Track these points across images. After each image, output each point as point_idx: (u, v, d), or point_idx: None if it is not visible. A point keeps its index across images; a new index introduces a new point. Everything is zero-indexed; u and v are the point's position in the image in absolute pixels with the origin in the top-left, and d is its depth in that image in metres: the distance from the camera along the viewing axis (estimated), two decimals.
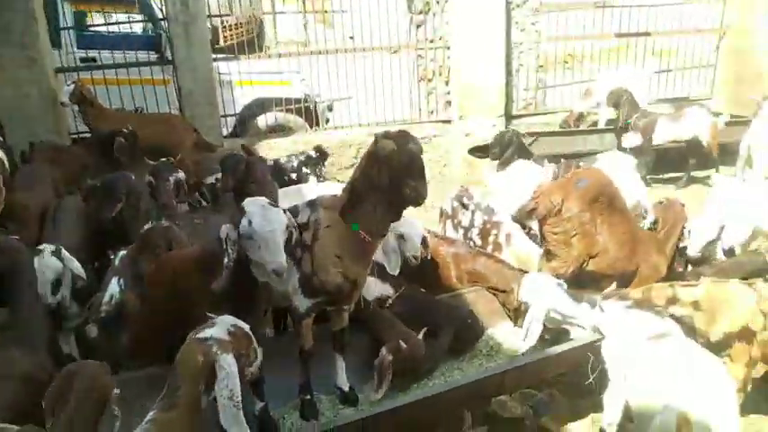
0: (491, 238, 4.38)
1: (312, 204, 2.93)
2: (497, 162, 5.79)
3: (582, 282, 3.69)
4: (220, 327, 2.17)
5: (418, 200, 2.73)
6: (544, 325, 3.50)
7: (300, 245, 2.78)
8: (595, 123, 8.10)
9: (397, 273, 3.83)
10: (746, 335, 2.94)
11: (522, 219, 3.81)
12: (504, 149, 5.70)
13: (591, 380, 3.01)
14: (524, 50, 8.36)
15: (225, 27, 13.07)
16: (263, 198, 2.67)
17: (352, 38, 9.29)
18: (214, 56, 7.40)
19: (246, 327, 2.28)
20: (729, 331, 2.94)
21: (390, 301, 3.60)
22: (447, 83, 8.27)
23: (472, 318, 3.68)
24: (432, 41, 8.08)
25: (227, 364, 2.04)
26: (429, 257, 3.85)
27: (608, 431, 2.80)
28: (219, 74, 7.51)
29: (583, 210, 3.60)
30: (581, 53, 9.85)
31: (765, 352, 2.98)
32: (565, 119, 8.21)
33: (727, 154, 7.20)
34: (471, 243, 4.49)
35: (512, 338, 3.79)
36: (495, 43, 7.80)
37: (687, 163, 7.41)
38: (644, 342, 2.44)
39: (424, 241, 3.86)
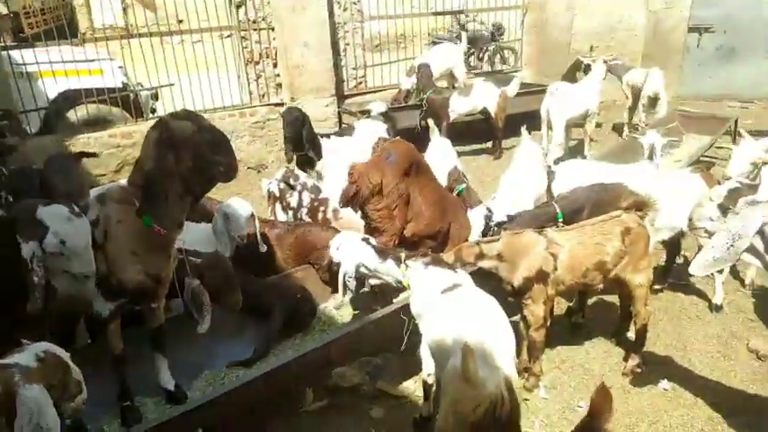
0: (320, 216, 4.43)
1: (101, 198, 2.69)
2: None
3: (404, 246, 3.88)
4: (29, 352, 1.95)
5: (230, 174, 2.66)
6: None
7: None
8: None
9: (228, 255, 3.74)
10: (542, 277, 3.30)
11: (346, 205, 3.88)
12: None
13: (405, 338, 3.19)
14: (349, 30, 8.50)
15: (28, 14, 11.62)
16: (62, 207, 2.43)
17: (180, 21, 8.79)
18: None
19: (64, 354, 2.07)
20: (528, 275, 3.28)
21: None
22: (275, 65, 8.15)
23: (302, 296, 3.71)
24: (255, 22, 7.89)
25: (32, 396, 1.83)
26: (261, 237, 3.82)
27: (429, 381, 2.98)
28: (14, 65, 6.66)
29: (399, 182, 3.77)
30: (412, 32, 10.25)
31: (558, 289, 3.38)
32: (394, 96, 8.53)
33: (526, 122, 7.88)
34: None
35: (343, 310, 3.89)
36: (318, 23, 7.82)
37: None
38: (439, 294, 2.63)
39: (253, 221, 3.80)
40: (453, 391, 2.10)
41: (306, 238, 4.00)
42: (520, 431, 2.30)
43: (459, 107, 7.54)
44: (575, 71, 9.14)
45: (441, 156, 5.07)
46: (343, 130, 6.07)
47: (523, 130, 5.95)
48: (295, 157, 5.48)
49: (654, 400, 3.36)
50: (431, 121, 6.10)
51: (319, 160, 5.41)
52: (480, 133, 8.30)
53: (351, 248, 3.53)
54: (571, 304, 4.19)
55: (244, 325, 3.64)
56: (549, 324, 3.46)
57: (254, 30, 7.88)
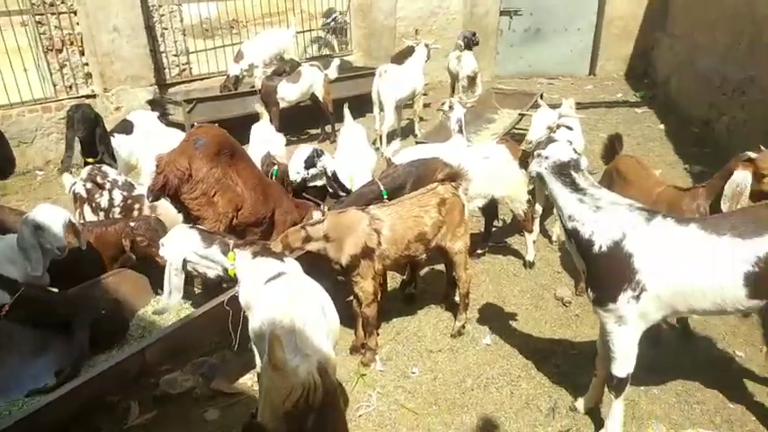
0: (135, 214, 4.08)
1: None
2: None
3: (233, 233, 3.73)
4: None
5: (11, 169, 2.31)
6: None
7: None
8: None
9: (40, 273, 3.29)
10: (368, 252, 3.36)
11: (156, 197, 3.59)
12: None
13: (230, 331, 3.08)
14: (166, 13, 7.93)
15: None
16: None
17: None
18: None
19: None
20: (354, 253, 3.32)
21: (6, 308, 3.04)
22: (82, 53, 7.35)
23: (111, 307, 3.38)
24: (52, 5, 7.02)
25: None
26: (85, 246, 3.42)
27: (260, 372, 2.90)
28: None
29: (212, 167, 3.60)
30: (244, 17, 9.85)
31: (385, 264, 3.46)
32: (223, 83, 8.15)
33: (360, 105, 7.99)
34: None
35: (168, 316, 3.64)
36: (127, 5, 7.18)
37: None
38: (263, 284, 2.55)
39: (72, 228, 3.38)
40: (266, 382, 2.05)
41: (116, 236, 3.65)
42: (340, 413, 2.32)
43: (288, 94, 7.41)
44: (406, 55, 9.48)
45: (260, 142, 4.97)
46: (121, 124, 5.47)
47: (346, 109, 6.03)
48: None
49: (478, 356, 3.61)
50: (258, 106, 5.91)
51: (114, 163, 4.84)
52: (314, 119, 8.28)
53: (176, 238, 3.29)
54: (404, 277, 4.34)
55: (47, 345, 3.23)
56: (380, 299, 3.54)
57: (52, 14, 7.01)
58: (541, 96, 7.72)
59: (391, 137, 7.35)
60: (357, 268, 3.37)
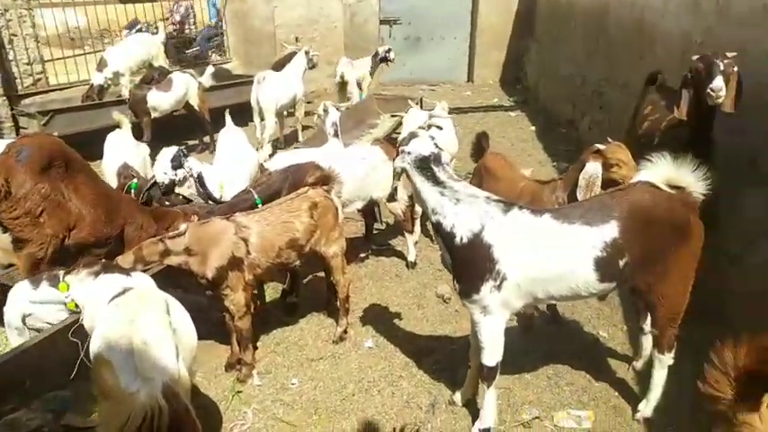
0: None
1: None
2: None
3: (66, 256, 3.35)
4: None
5: None
6: None
7: None
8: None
9: None
10: (236, 263, 3.17)
11: None
12: None
13: (81, 355, 2.79)
14: (13, 18, 7.19)
15: None
16: None
17: None
18: None
19: None
20: (221, 264, 3.12)
21: None
22: None
23: None
24: None
25: None
26: None
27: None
28: None
29: (38, 183, 3.22)
30: (118, 24, 9.18)
31: (256, 273, 3.29)
32: (86, 92, 7.53)
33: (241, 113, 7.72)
34: None
35: None
36: None
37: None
38: (106, 304, 2.30)
39: None
40: (100, 409, 1.82)
41: None
42: None
43: (160, 103, 6.99)
44: (287, 63, 9.33)
45: (115, 152, 4.63)
46: None
47: (227, 114, 5.80)
48: None
49: (360, 360, 3.53)
50: (116, 115, 5.47)
51: None
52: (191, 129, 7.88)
53: (11, 297, 2.95)
54: (285, 286, 4.18)
55: None
56: (253, 310, 3.36)
57: None
58: (421, 101, 7.91)
59: (274, 146, 7.18)
60: (225, 281, 3.18)
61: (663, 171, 2.60)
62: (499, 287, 2.53)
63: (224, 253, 3.14)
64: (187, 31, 10.01)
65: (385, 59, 8.63)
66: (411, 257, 4.67)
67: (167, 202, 4.45)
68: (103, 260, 2.67)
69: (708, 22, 4.70)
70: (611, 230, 2.48)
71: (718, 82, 3.23)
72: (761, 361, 1.72)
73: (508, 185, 3.60)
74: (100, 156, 5.14)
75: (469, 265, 2.57)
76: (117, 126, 5.28)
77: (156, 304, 2.20)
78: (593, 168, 3.19)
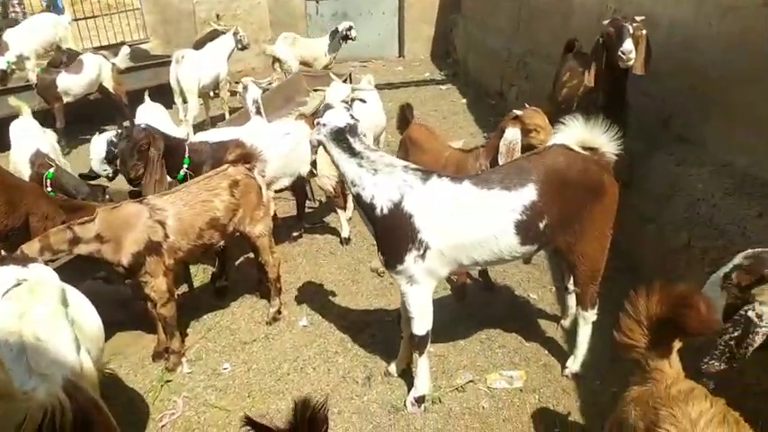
0: None
1: None
2: None
3: None
4: None
5: None
6: None
7: None
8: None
9: None
10: (153, 248, 3.01)
11: None
12: None
13: None
14: None
15: None
16: None
17: None
18: None
19: None
20: (138, 250, 2.96)
21: None
22: None
23: None
24: None
25: None
26: None
27: None
28: None
29: None
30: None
31: (177, 257, 3.14)
32: None
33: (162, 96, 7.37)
34: None
35: None
36: None
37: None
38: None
39: None
40: None
41: None
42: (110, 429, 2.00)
43: (71, 87, 6.55)
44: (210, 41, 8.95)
45: (23, 140, 4.31)
46: None
47: (146, 95, 5.51)
48: None
49: (295, 339, 3.47)
50: (13, 100, 5.06)
51: None
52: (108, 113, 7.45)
53: None
54: (214, 269, 4.04)
55: None
56: (176, 296, 3.22)
57: None
58: (350, 76, 7.78)
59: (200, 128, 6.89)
60: (144, 267, 3.02)
61: (576, 133, 2.64)
62: (423, 256, 2.52)
63: (139, 238, 2.98)
64: (12, 15, 9.21)
65: (346, 38, 8.38)
66: (345, 233, 4.62)
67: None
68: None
69: None
70: (529, 194, 2.50)
71: (628, 44, 3.33)
72: (671, 308, 1.79)
73: (433, 156, 3.59)
74: (7, 146, 4.76)
75: (392, 235, 2.55)
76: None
77: (50, 295, 2.03)
78: (511, 134, 3.22)
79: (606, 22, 3.53)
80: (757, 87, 3.05)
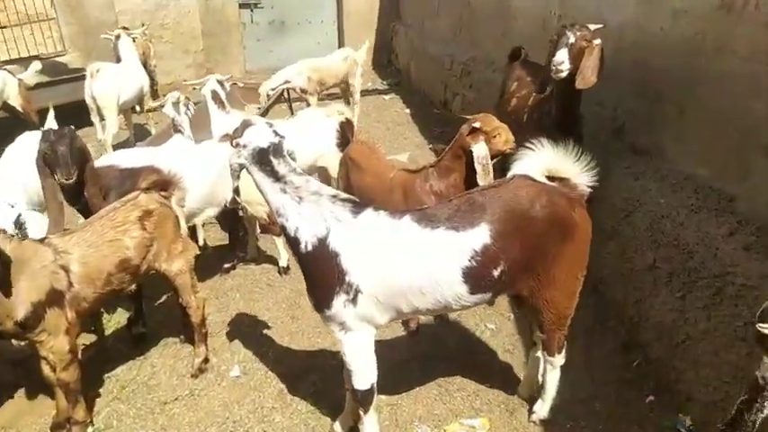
0: None
1: None
2: None
3: None
4: None
5: None
6: None
7: None
8: None
9: None
10: (55, 299, 2.51)
11: None
12: None
13: None
14: None
15: None
16: None
17: None
18: None
19: None
20: (36, 300, 2.44)
21: None
22: None
23: None
24: None
25: None
26: None
27: None
28: None
29: None
30: None
31: (81, 308, 2.64)
32: None
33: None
34: None
35: None
36: None
37: None
38: None
39: None
40: None
41: None
42: None
43: None
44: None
45: None
46: None
47: (51, 114, 4.89)
48: None
49: (225, 395, 3.01)
50: None
51: None
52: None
53: None
54: (130, 315, 3.52)
55: None
56: (79, 356, 2.70)
57: None
58: (287, 92, 7.37)
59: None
60: (42, 322, 2.50)
61: (541, 161, 2.32)
62: (354, 301, 2.16)
63: (40, 286, 2.47)
64: None
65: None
66: (283, 262, 4.18)
67: None
68: None
69: None
70: (481, 235, 2.16)
71: (561, 55, 3.08)
72: None
73: (377, 178, 3.24)
74: None
75: (317, 275, 2.20)
76: None
77: None
78: (481, 150, 2.89)
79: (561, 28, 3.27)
80: (714, 94, 2.85)
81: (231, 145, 2.32)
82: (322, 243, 2.15)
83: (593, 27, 3.17)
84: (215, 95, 4.36)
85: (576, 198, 2.33)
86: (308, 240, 2.17)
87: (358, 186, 3.28)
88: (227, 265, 4.22)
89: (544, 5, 5.03)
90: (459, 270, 2.15)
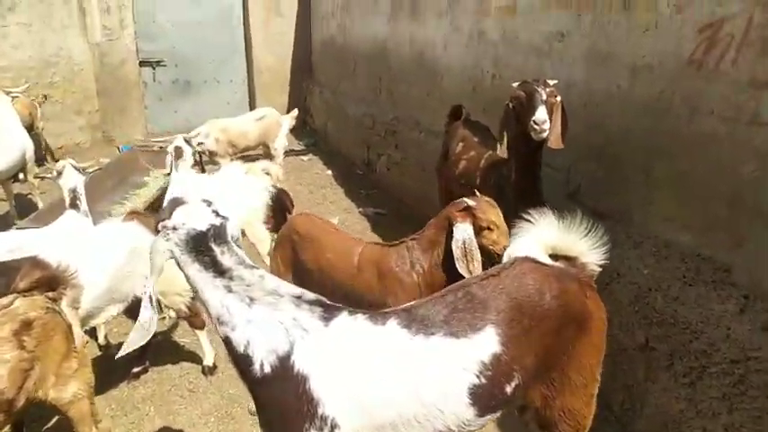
0: None
1: None
2: None
3: None
4: None
5: None
6: None
7: None
8: None
9: None
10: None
11: None
12: None
13: None
14: None
15: None
16: None
17: None
18: None
19: None
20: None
21: None
22: None
23: None
24: None
25: None
26: None
27: None
28: None
29: None
30: None
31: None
32: None
33: None
34: None
35: None
36: None
37: None
38: None
39: None
40: None
41: None
42: None
43: None
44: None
45: None
46: None
47: None
48: None
49: None
50: None
51: None
52: None
53: None
54: None
55: None
56: None
57: None
58: (199, 155, 6.72)
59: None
60: None
61: (544, 237, 1.94)
62: None
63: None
64: None
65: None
66: (208, 360, 3.48)
67: None
68: None
69: (497, 52, 4.50)
70: (488, 343, 1.72)
71: (542, 114, 2.79)
72: None
73: (340, 256, 2.69)
74: None
75: (277, 408, 1.64)
76: None
77: None
78: (463, 233, 2.43)
79: (516, 84, 3.00)
80: (692, 157, 2.65)
81: (156, 228, 1.77)
82: (284, 362, 1.62)
83: (551, 82, 2.93)
84: (72, 194, 3.56)
85: (587, 281, 1.97)
86: (263, 359, 1.63)
87: (313, 268, 2.72)
88: (136, 370, 3.43)
89: (475, 64, 4.88)
90: (466, 390, 1.67)
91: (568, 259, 1.97)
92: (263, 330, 1.64)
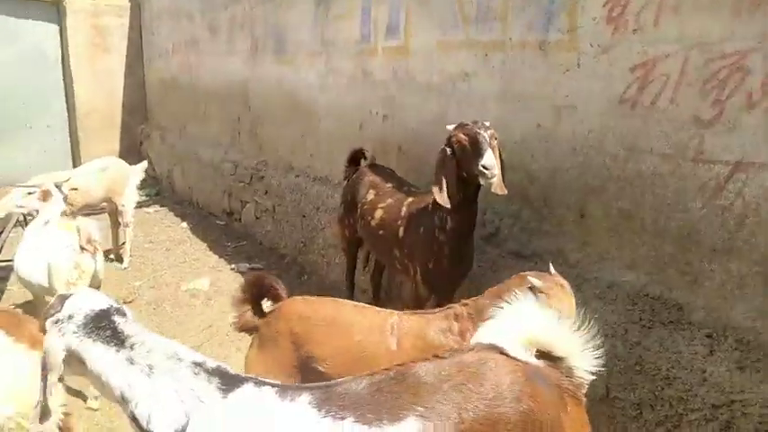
0: None
1: None
2: None
3: None
4: None
5: None
6: None
7: None
8: None
9: None
10: None
11: None
12: None
13: None
14: None
15: None
16: None
17: None
18: None
19: None
20: None
21: None
22: None
23: None
24: None
25: None
26: None
27: None
28: None
29: None
30: None
31: None
32: None
33: None
34: None
35: None
36: None
37: None
38: None
39: None
40: None
41: None
42: None
43: None
44: None
45: None
46: None
47: None
48: None
49: None
50: None
51: None
52: None
53: None
54: None
55: None
56: None
57: None
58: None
59: None
60: None
61: (524, 326, 1.60)
62: None
63: None
64: None
65: None
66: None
67: None
68: None
69: (387, 92, 4.31)
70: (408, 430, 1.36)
71: (489, 158, 2.58)
72: None
73: (369, 336, 2.10)
74: None
75: None
76: None
77: None
78: None
79: (451, 127, 2.77)
80: (633, 196, 2.63)
81: (42, 329, 1.63)
82: None
83: (487, 123, 2.76)
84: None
85: (571, 390, 1.58)
86: None
87: (337, 362, 2.06)
88: None
89: (361, 104, 4.63)
90: None
91: (552, 359, 1.60)
92: (162, 403, 1.46)
